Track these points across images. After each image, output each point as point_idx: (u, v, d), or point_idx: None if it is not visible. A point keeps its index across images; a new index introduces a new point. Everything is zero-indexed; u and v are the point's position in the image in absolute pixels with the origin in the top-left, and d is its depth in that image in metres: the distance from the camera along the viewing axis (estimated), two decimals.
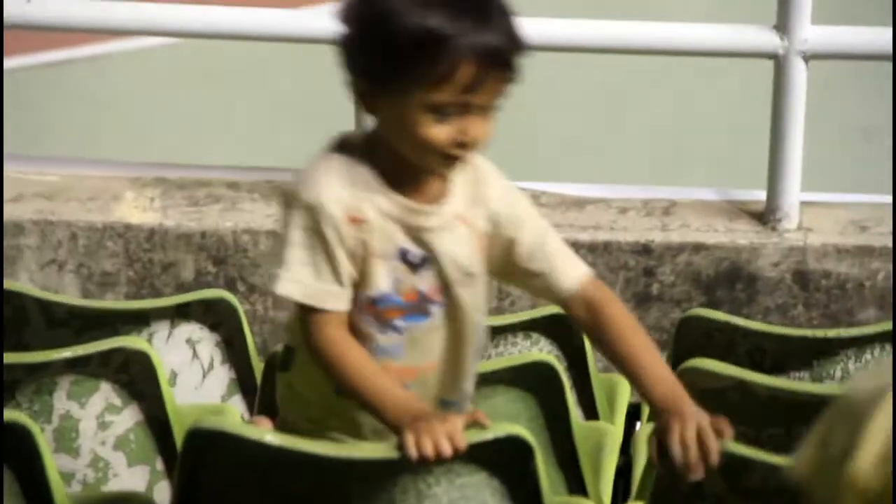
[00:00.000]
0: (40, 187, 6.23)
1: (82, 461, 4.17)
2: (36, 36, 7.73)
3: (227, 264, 6.03)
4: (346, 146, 3.51)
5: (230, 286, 5.80)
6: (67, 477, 4.09)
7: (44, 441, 3.60)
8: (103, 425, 4.18)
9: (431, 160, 3.44)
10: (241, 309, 4.88)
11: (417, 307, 3.54)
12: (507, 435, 3.42)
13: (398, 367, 3.51)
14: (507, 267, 3.61)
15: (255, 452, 3.42)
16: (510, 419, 4.01)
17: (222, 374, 4.90)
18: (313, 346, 3.48)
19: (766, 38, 6.12)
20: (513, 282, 3.84)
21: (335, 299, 3.43)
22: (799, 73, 5.95)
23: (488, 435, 3.41)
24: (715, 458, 3.41)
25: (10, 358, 4.16)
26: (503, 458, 3.45)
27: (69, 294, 5.86)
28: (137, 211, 6.13)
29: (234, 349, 4.89)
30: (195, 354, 4.84)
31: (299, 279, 3.44)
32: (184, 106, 8.35)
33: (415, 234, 3.48)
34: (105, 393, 4.16)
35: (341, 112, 5.72)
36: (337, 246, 3.42)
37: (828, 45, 5.96)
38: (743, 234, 5.99)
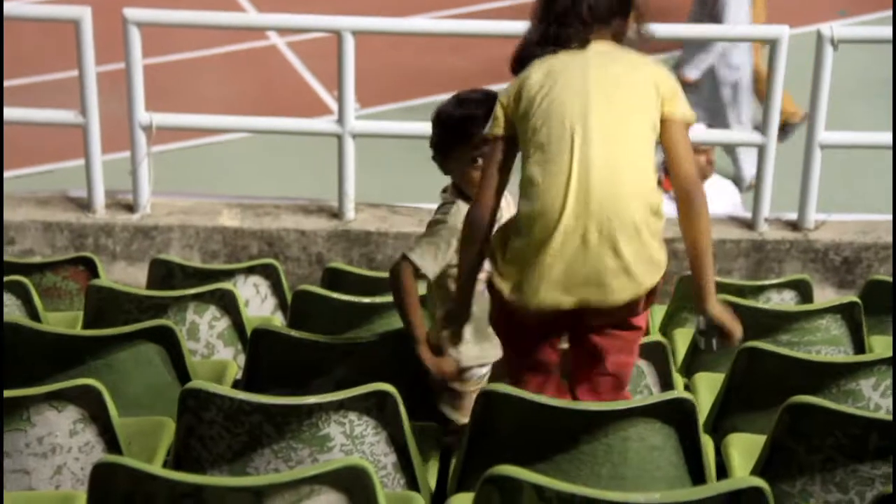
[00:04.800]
0: (181, 207, 6.43)
1: (200, 345, 4.41)
2: (181, 134, 8.15)
3: (274, 247, 6.25)
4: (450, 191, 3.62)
5: (276, 257, 5.97)
6: (192, 352, 4.27)
7: (181, 334, 3.84)
8: (211, 326, 4.41)
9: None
10: (281, 269, 5.12)
11: None
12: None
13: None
14: None
15: (286, 341, 3.76)
16: None
17: (271, 302, 5.08)
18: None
19: None
20: None
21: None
22: None
23: None
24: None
25: (165, 294, 4.43)
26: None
27: (195, 261, 6.05)
28: (229, 219, 6.35)
29: (277, 290, 5.08)
30: (257, 292, 5.03)
31: (424, 257, 3.47)
32: (250, 165, 8.60)
33: None
34: (212, 311, 4.40)
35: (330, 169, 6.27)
36: (454, 250, 3.45)
37: None
38: None
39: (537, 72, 3.13)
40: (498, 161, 3.15)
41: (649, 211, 3.03)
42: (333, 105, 9.08)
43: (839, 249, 6.16)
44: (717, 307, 3.15)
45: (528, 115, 3.09)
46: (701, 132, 6.65)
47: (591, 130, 3.01)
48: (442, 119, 3.60)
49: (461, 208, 3.50)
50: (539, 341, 3.21)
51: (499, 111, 3.16)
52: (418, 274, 3.49)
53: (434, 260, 3.49)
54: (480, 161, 3.45)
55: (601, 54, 3.16)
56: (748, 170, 7.80)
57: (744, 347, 3.64)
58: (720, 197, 6.67)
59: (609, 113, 3.04)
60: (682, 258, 5.94)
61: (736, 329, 3.15)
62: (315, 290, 4.52)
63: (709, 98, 7.88)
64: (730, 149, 8.06)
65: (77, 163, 6.58)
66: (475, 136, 3.45)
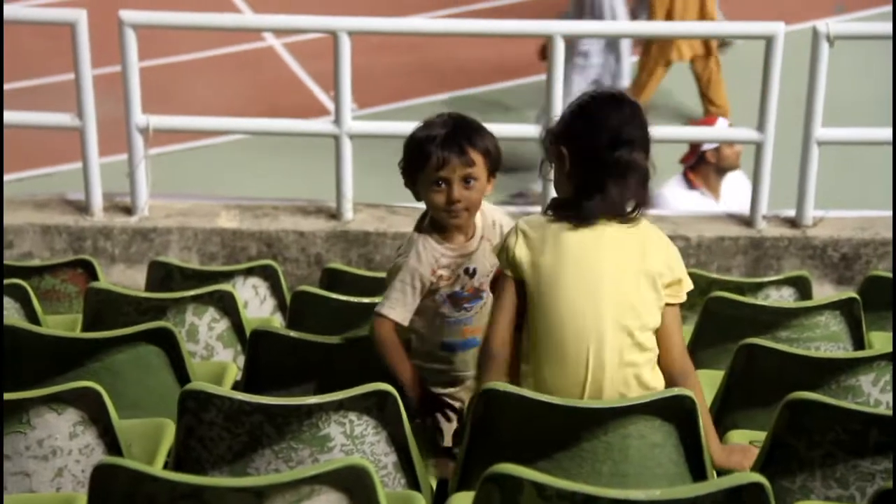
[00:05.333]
0: (180, 209, 6.45)
1: (200, 346, 4.39)
2: (178, 136, 7.88)
3: (273, 248, 6.28)
4: (421, 223, 3.61)
5: (274, 258, 6.00)
6: (192, 354, 4.27)
7: (180, 336, 3.83)
8: (211, 328, 4.39)
9: (443, 216, 3.54)
10: (280, 270, 5.12)
11: (474, 295, 3.60)
12: None
13: (471, 329, 3.60)
14: None
15: (285, 341, 3.76)
16: None
17: (270, 303, 5.08)
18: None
19: None
20: None
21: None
22: None
23: None
24: None
25: (165, 295, 4.41)
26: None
27: (193, 263, 6.03)
28: (227, 221, 6.37)
29: (276, 290, 5.07)
30: (256, 293, 5.02)
31: (394, 307, 3.53)
32: (248, 167, 8.60)
33: (467, 258, 3.57)
34: (211, 312, 4.38)
35: (328, 169, 6.28)
36: (419, 292, 3.54)
37: None
38: None
39: (553, 247, 3.16)
40: (509, 296, 3.22)
41: (646, 391, 3.17)
42: (330, 106, 9.09)
43: (837, 246, 6.17)
44: (726, 460, 3.29)
45: (540, 300, 3.16)
46: (721, 128, 6.63)
47: (606, 335, 3.11)
48: (405, 143, 3.60)
49: (419, 248, 3.54)
50: None
51: (509, 257, 3.20)
52: (396, 324, 3.55)
53: (404, 307, 3.54)
54: (443, 185, 3.48)
55: (616, 238, 3.16)
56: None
57: (743, 344, 3.64)
58: (737, 192, 6.68)
59: (621, 312, 3.12)
60: (685, 251, 6.09)
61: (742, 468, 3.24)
62: (314, 290, 4.50)
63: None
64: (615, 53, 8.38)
65: (75, 166, 6.59)
66: (433, 155, 3.46)
